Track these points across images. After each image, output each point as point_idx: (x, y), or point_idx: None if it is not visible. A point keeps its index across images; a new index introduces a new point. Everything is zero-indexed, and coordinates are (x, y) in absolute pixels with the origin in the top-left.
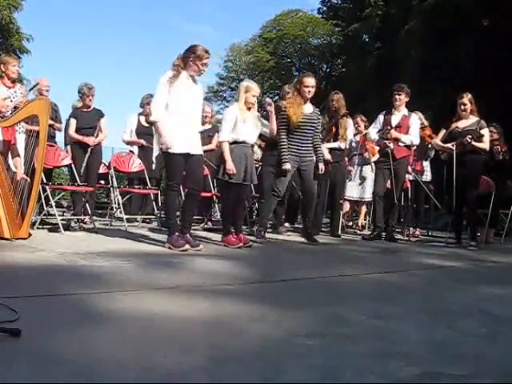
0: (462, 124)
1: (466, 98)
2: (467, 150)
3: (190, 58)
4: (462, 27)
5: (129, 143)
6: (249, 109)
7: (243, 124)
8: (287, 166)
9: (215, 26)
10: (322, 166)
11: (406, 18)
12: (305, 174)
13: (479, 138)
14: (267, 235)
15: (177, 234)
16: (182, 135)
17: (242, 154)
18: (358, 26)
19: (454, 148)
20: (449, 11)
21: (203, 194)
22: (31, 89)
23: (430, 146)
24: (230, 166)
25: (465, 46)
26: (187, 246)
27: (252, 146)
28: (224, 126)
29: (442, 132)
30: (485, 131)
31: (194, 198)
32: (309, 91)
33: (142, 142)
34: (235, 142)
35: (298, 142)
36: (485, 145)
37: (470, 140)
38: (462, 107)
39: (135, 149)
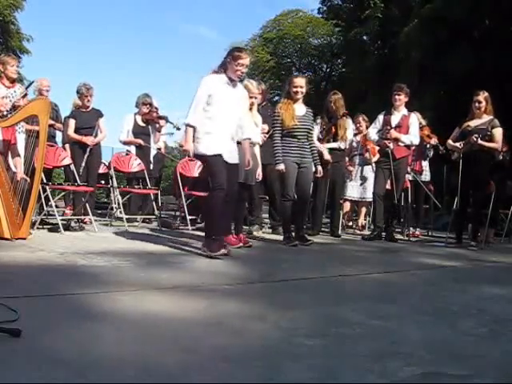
0: (474, 123)
1: (482, 96)
2: (474, 150)
3: (227, 59)
4: (461, 28)
5: (126, 143)
6: (249, 109)
7: None
8: (281, 166)
9: (215, 27)
10: (320, 168)
11: (407, 18)
12: (301, 175)
13: (489, 137)
14: (268, 236)
15: (213, 237)
16: (216, 139)
17: (240, 154)
18: (359, 30)
19: (460, 147)
20: (448, 13)
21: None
22: (27, 87)
23: (428, 145)
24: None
25: (465, 47)
26: (223, 251)
27: (254, 145)
28: None
29: (456, 131)
30: (496, 130)
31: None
32: (296, 91)
33: (140, 141)
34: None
35: (295, 144)
36: (495, 144)
37: (475, 139)
38: (477, 105)
39: (132, 149)
